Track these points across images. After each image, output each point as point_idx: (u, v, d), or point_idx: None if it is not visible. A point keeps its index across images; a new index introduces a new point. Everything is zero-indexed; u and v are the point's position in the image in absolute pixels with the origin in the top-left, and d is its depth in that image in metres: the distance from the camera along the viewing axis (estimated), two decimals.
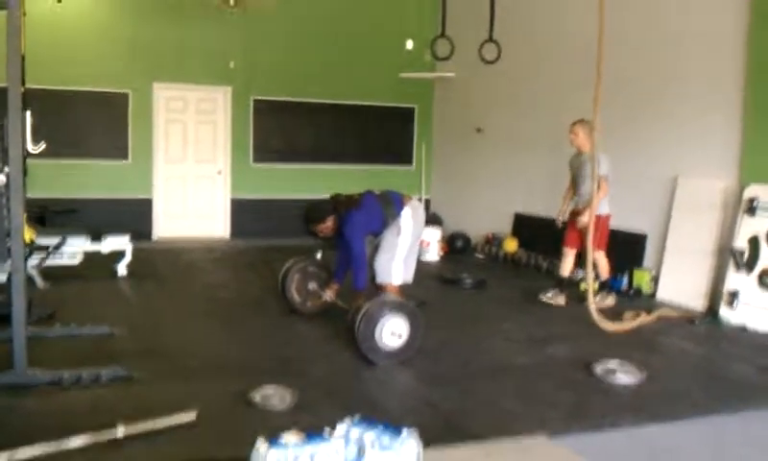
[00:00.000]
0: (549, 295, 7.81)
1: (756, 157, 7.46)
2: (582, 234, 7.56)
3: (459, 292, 8.63)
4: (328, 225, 6.40)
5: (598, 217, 7.42)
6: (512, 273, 9.98)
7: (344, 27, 12.65)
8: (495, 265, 10.56)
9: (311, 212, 6.48)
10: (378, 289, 6.33)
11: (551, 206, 10.27)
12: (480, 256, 11.22)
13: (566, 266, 7.95)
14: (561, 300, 7.80)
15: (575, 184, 7.89)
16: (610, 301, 7.79)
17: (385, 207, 6.40)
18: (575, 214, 7.84)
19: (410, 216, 6.42)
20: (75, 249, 8.32)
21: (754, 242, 7.23)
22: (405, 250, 6.39)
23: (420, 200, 12.11)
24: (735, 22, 7.69)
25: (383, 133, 13.30)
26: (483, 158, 12.01)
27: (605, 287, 7.86)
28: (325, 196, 6.62)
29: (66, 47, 11.22)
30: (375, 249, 6.47)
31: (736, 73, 7.68)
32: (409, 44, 10.97)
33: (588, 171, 7.46)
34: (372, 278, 6.42)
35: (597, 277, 7.74)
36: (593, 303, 6.64)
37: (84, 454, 3.65)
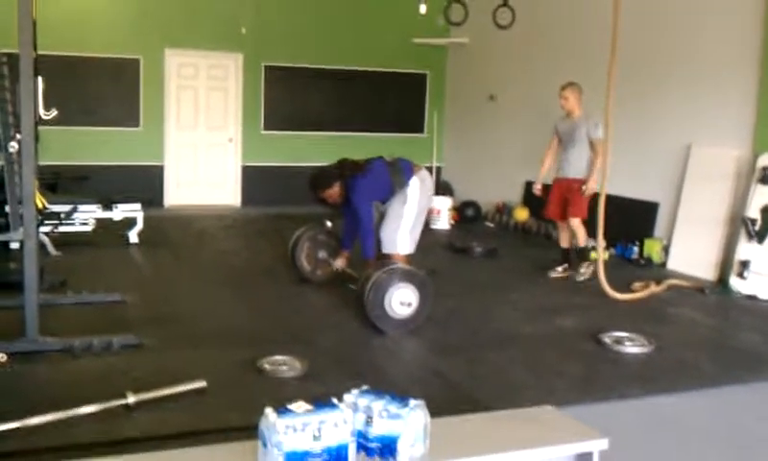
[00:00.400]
0: (559, 270, 7.70)
1: None
2: (566, 203, 7.54)
3: (469, 261, 8.63)
4: (336, 190, 6.31)
5: (581, 181, 7.39)
6: (522, 242, 9.97)
7: None
8: (506, 234, 10.55)
9: (317, 178, 6.41)
10: (384, 258, 6.31)
11: None
12: (490, 225, 11.22)
13: (565, 237, 7.81)
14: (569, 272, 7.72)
15: (562, 149, 7.68)
16: (591, 270, 7.50)
17: (393, 175, 6.31)
18: (561, 183, 7.65)
19: (418, 187, 6.33)
20: (86, 216, 8.36)
21: (766, 211, 7.18)
22: (411, 220, 6.31)
23: (431, 168, 12.10)
24: None
25: (395, 100, 13.23)
26: (495, 127, 11.94)
27: (586, 256, 7.64)
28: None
29: (78, 12, 11.21)
30: (381, 217, 6.42)
31: (753, 41, 7.58)
32: (422, 8, 10.87)
33: (579, 135, 7.39)
34: (379, 246, 6.39)
35: (575, 245, 7.68)
36: (602, 273, 6.65)
37: (95, 421, 3.68)
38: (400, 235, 6.29)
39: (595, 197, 7.08)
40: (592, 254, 8.10)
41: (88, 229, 8.40)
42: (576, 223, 7.52)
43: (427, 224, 10.52)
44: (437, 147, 13.11)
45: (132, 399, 3.85)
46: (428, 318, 5.61)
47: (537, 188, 7.93)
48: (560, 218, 7.72)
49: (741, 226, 7.37)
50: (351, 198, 6.25)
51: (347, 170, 6.31)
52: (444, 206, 10.86)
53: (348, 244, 6.73)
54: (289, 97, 12.54)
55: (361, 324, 5.59)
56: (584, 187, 7.37)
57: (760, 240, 7.16)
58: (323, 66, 12.58)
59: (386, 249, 6.31)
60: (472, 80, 12.65)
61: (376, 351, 5.22)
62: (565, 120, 7.64)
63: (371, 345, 5.30)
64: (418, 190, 6.33)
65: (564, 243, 7.82)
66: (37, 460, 3.18)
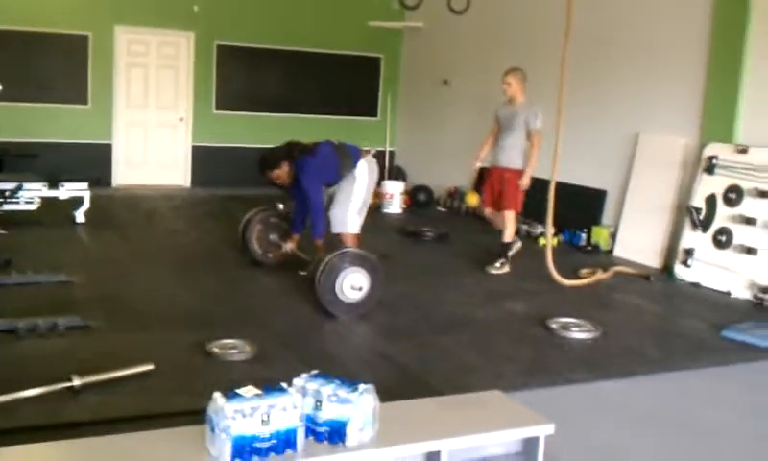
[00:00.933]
0: (497, 265, 7.31)
1: (717, 115, 7.53)
2: (498, 193, 7.29)
3: (421, 245, 8.67)
4: (284, 170, 6.35)
5: (514, 172, 7.20)
6: (473, 227, 10.01)
7: None
8: (457, 219, 10.61)
9: (266, 158, 6.45)
10: (335, 238, 6.33)
11: None
12: (442, 210, 11.26)
13: (500, 225, 7.46)
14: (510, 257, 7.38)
15: (500, 136, 7.38)
16: (506, 269, 7.26)
17: (341, 159, 6.36)
18: (495, 171, 7.41)
19: (366, 169, 6.40)
20: (32, 194, 8.19)
21: (711, 200, 7.32)
22: (360, 201, 6.38)
23: (383, 152, 12.11)
24: None
25: (348, 83, 13.15)
26: (449, 112, 11.97)
27: (506, 252, 7.30)
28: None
29: None
30: (330, 200, 6.44)
31: (701, 32, 7.71)
32: None
33: (518, 122, 7.16)
34: (328, 226, 6.40)
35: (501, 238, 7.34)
36: (550, 260, 6.72)
37: (40, 404, 3.61)
38: (350, 215, 6.34)
39: (533, 186, 7.15)
40: (541, 241, 8.19)
41: (33, 207, 8.22)
42: (508, 216, 7.25)
43: (379, 208, 10.57)
44: (390, 131, 13.11)
45: (77, 381, 3.79)
46: (379, 302, 5.63)
47: (474, 165, 7.94)
48: (493, 208, 7.46)
49: (686, 214, 7.51)
50: (301, 179, 6.26)
51: (296, 151, 6.34)
52: (396, 190, 10.88)
53: (299, 227, 6.71)
54: (242, 77, 12.41)
55: (312, 307, 5.57)
56: (519, 182, 7.15)
57: (705, 229, 7.30)
58: (276, 47, 12.46)
59: (336, 229, 6.35)
60: (427, 64, 12.65)
61: (327, 335, 5.22)
62: (507, 106, 7.38)
63: (321, 329, 5.30)
64: (366, 173, 6.40)
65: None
66: None
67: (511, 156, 7.26)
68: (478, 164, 7.85)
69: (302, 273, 6.28)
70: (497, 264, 7.25)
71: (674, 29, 8.05)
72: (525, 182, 7.16)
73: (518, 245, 7.46)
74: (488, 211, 7.59)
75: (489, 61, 10.92)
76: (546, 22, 9.10)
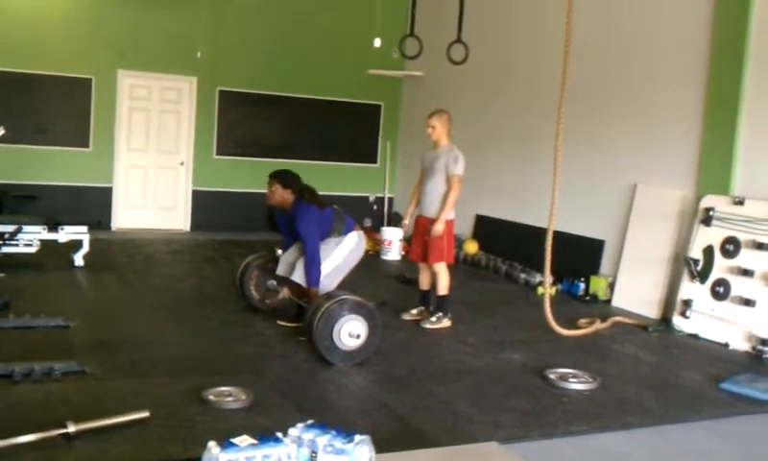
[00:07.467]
0: (414, 312, 7.09)
1: (713, 168, 7.58)
2: (427, 244, 6.85)
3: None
4: (283, 195, 6.36)
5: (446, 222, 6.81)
6: (471, 274, 10.03)
7: (312, 21, 12.60)
8: (456, 267, 10.53)
9: (283, 174, 6.50)
10: (290, 286, 6.39)
11: (514, 210, 10.39)
12: None
13: (424, 278, 7.14)
14: (439, 320, 6.90)
15: (423, 182, 7.01)
16: (446, 323, 6.90)
17: (336, 222, 6.41)
18: (420, 221, 7.06)
19: (354, 239, 6.47)
20: (31, 237, 8.20)
21: (708, 252, 7.34)
22: (335, 263, 6.34)
23: (383, 198, 12.15)
24: (699, 33, 7.81)
25: (349, 130, 13.25)
26: None
27: (444, 306, 6.93)
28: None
29: (30, 29, 11.04)
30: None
31: (697, 85, 7.80)
32: (376, 42, 11.01)
33: (438, 166, 6.82)
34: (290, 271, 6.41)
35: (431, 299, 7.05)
36: (548, 309, 6.71)
37: (34, 451, 3.58)
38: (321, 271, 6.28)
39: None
40: (539, 290, 8.17)
41: (32, 250, 8.23)
42: (439, 268, 6.85)
43: (378, 254, 10.58)
44: (389, 177, 13.17)
45: (72, 428, 3.76)
46: (376, 350, 5.61)
47: (404, 223, 7.40)
48: (422, 260, 7.03)
49: (684, 265, 7.52)
50: (299, 222, 6.20)
51: (306, 194, 6.36)
52: (394, 237, 10.89)
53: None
54: (243, 123, 12.51)
55: (309, 354, 5.57)
56: (432, 228, 6.76)
57: (702, 280, 7.31)
58: (278, 93, 12.58)
59: (296, 277, 6.31)
60: (426, 112, 12.54)
61: (324, 382, 5.19)
62: (431, 151, 7.04)
63: (318, 376, 5.27)
64: (353, 242, 6.47)
65: (424, 285, 7.16)
66: None
67: (435, 204, 6.87)
68: (407, 221, 7.35)
69: (303, 339, 6.19)
70: (433, 319, 6.88)
71: (671, 83, 8.14)
72: (437, 229, 6.72)
73: (423, 316, 7.04)
74: (421, 264, 7.14)
75: (487, 111, 11.05)
76: (544, 73, 9.22)
